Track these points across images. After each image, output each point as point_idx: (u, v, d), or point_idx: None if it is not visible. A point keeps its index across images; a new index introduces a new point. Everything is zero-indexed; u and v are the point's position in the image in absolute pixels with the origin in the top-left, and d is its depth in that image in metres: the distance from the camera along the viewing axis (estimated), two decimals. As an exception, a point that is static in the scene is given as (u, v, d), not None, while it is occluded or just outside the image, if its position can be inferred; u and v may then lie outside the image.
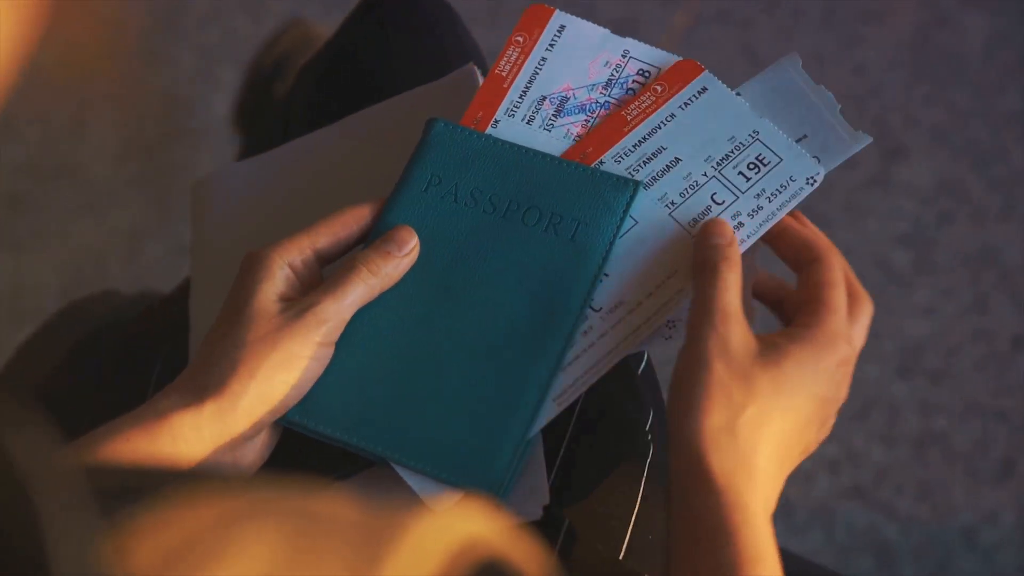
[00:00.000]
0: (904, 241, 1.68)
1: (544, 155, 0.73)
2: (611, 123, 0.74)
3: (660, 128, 0.74)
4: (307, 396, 0.68)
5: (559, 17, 0.77)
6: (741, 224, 0.71)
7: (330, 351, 0.68)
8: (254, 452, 0.68)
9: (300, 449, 0.71)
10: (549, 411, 0.68)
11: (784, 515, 1.51)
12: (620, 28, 0.76)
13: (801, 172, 0.72)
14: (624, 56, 0.77)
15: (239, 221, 0.83)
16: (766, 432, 0.64)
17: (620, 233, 0.72)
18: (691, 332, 0.66)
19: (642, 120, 0.74)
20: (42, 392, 0.94)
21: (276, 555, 0.34)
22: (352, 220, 0.71)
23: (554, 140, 0.74)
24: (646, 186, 0.72)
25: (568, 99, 0.75)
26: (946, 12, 1.81)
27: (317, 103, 0.96)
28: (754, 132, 0.73)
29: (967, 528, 1.52)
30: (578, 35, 0.77)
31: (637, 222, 0.72)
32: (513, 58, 0.77)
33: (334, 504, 0.37)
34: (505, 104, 0.75)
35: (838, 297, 0.69)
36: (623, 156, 0.73)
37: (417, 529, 0.37)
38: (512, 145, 0.74)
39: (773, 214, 0.71)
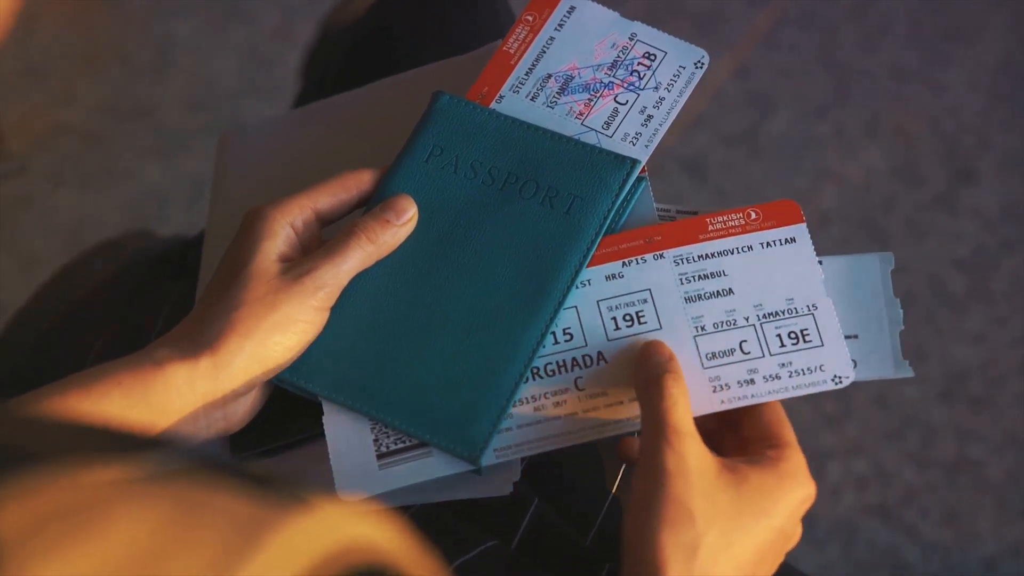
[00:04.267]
0: (962, 265, 1.65)
1: (545, 130, 0.74)
2: (692, 224, 0.73)
3: (732, 254, 0.72)
4: None
5: None
6: (752, 382, 0.69)
7: (326, 315, 0.69)
8: (244, 409, 0.69)
9: (281, 407, 0.72)
10: (488, 459, 0.68)
11: (805, 525, 1.49)
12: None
13: (833, 367, 0.69)
14: (631, 39, 0.77)
15: (255, 176, 0.85)
16: (725, 557, 0.63)
17: (620, 219, 0.73)
18: (645, 450, 0.64)
19: (721, 236, 0.72)
20: (66, 322, 0.97)
21: (147, 535, 0.34)
22: (353, 184, 0.72)
23: (556, 117, 0.75)
24: (689, 300, 0.71)
25: (573, 78, 0.76)
26: (1033, 38, 1.78)
27: (349, 67, 0.98)
28: (812, 305, 0.70)
29: (988, 559, 1.50)
30: (587, 17, 0.78)
31: (662, 327, 0.70)
32: (522, 36, 0.77)
33: (224, 494, 0.37)
34: (511, 80, 0.76)
35: (794, 435, 0.68)
36: (685, 260, 0.71)
37: (297, 525, 0.36)
38: (514, 120, 0.75)
39: (785, 390, 0.69)
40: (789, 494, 0.65)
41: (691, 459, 0.63)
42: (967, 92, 1.76)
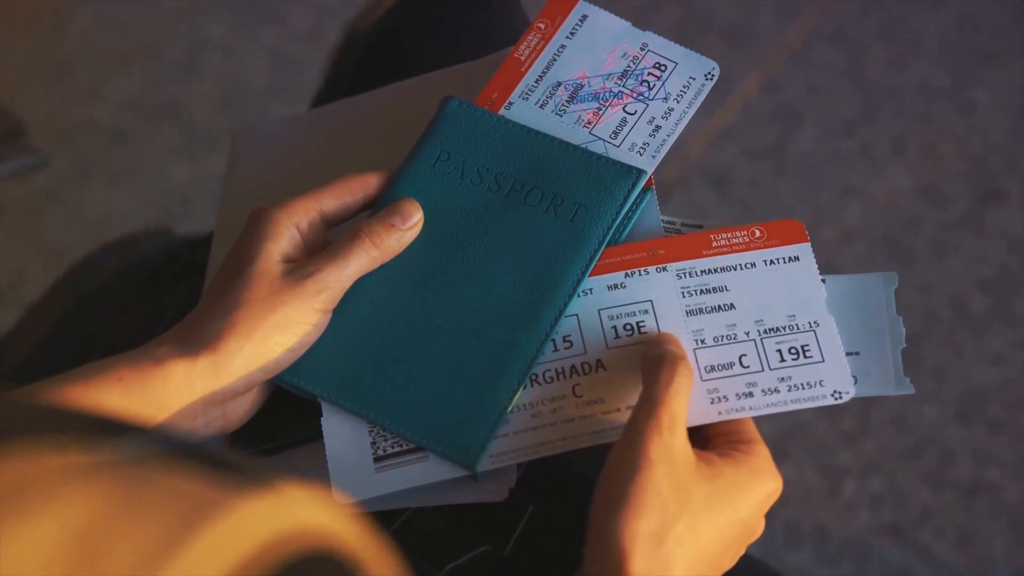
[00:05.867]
0: (985, 286, 1.64)
1: (552, 138, 0.74)
2: (695, 239, 0.73)
3: (736, 270, 0.72)
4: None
5: (582, 7, 0.78)
6: (750, 395, 0.69)
7: (327, 317, 0.70)
8: (243, 408, 0.69)
9: (281, 406, 0.73)
10: (484, 464, 0.69)
11: (818, 542, 1.49)
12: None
13: (834, 383, 0.69)
14: (642, 49, 0.77)
15: (266, 175, 0.85)
16: (691, 547, 0.62)
17: (625, 229, 0.73)
18: (633, 428, 0.64)
19: (725, 253, 0.72)
20: (75, 316, 0.98)
21: (95, 512, 0.34)
22: (359, 187, 0.73)
23: (565, 125, 0.75)
24: (690, 313, 0.71)
25: (583, 86, 0.76)
26: (1065, 60, 1.77)
27: (364, 69, 0.98)
28: (814, 322, 0.70)
29: (1002, 583, 1.49)
30: (599, 26, 0.78)
31: None
32: (533, 43, 0.78)
33: (180, 477, 0.37)
34: (520, 87, 0.76)
35: (757, 432, 0.68)
36: (687, 274, 0.72)
37: (248, 507, 0.36)
38: (522, 127, 0.75)
39: (784, 403, 0.69)
40: (759, 488, 0.66)
41: (676, 451, 0.63)
42: (996, 112, 1.75)
